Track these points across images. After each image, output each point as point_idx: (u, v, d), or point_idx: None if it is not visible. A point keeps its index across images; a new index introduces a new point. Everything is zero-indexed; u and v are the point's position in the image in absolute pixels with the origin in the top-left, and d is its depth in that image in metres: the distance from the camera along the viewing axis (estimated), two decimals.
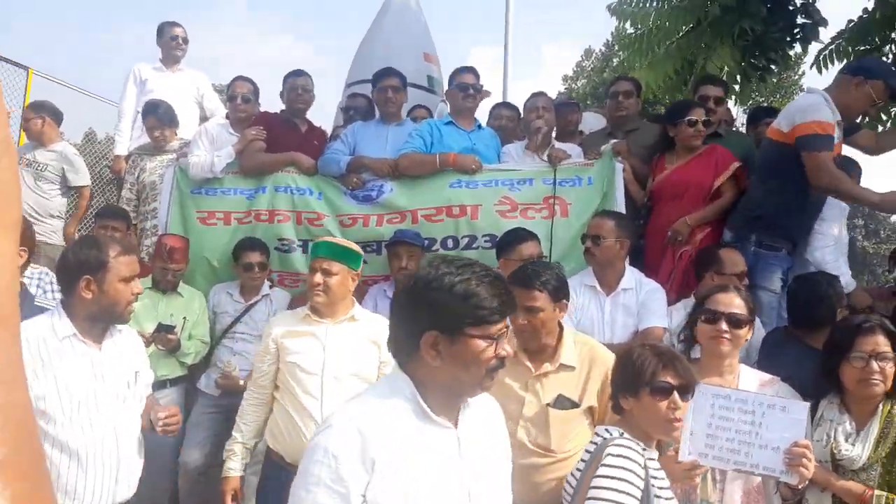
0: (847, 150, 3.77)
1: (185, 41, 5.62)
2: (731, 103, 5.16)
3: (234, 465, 2.85)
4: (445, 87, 4.86)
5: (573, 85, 23.30)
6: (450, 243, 4.02)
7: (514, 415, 2.40)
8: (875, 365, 2.34)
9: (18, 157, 4.79)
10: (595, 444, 2.03)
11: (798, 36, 5.03)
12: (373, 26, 6.20)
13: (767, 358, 2.86)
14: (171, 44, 5.54)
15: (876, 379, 2.34)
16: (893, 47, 5.05)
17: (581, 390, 2.43)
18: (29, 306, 2.68)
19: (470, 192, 4.03)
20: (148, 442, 2.41)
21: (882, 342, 2.36)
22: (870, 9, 4.96)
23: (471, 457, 1.51)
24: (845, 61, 5.02)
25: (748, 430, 2.17)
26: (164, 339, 3.56)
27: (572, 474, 2.07)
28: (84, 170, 5.19)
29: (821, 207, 3.66)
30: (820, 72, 5.08)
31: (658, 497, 1.93)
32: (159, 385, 3.42)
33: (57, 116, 5.15)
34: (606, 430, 2.06)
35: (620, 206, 3.88)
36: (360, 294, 3.49)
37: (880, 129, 4.43)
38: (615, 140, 4.16)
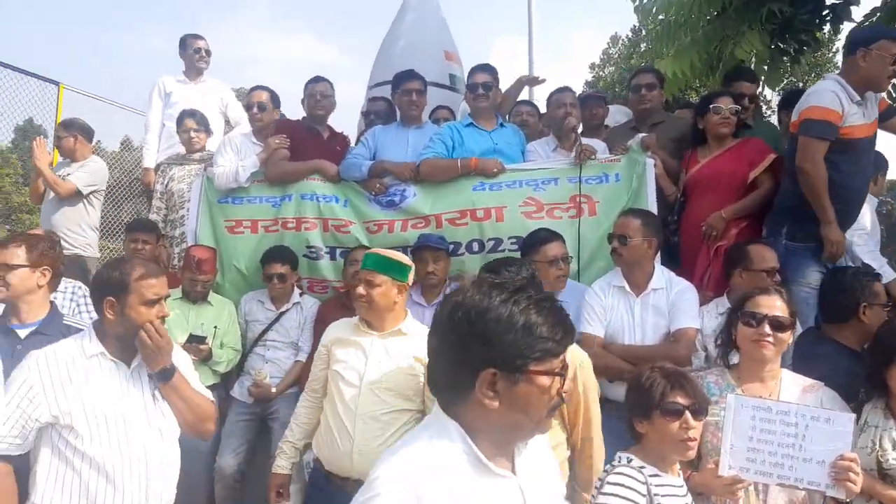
0: (884, 136, 3.63)
1: (209, 53, 5.69)
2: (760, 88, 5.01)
3: (282, 463, 2.92)
4: None
5: (601, 73, 22.99)
6: (475, 247, 3.99)
7: None
8: None
9: (53, 174, 4.96)
10: (606, 472, 2.05)
11: (828, 17, 4.87)
12: (392, 27, 6.18)
13: (801, 359, 2.76)
14: (194, 56, 5.62)
15: None
16: None
17: None
18: (57, 325, 2.71)
19: (494, 194, 3.99)
20: (184, 450, 2.46)
21: None
22: None
23: None
24: None
25: (791, 444, 2.10)
26: (195, 349, 3.62)
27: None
28: (89, 178, 5.10)
29: (856, 197, 3.50)
30: None
31: None
32: None
33: (87, 133, 5.24)
34: (619, 457, 2.07)
35: (652, 203, 3.80)
36: None
37: None
38: (643, 134, 4.07)
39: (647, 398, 2.06)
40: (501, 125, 4.37)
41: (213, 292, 4.03)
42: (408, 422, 2.64)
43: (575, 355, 2.43)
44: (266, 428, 3.91)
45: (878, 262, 3.55)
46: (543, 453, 1.50)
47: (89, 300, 3.23)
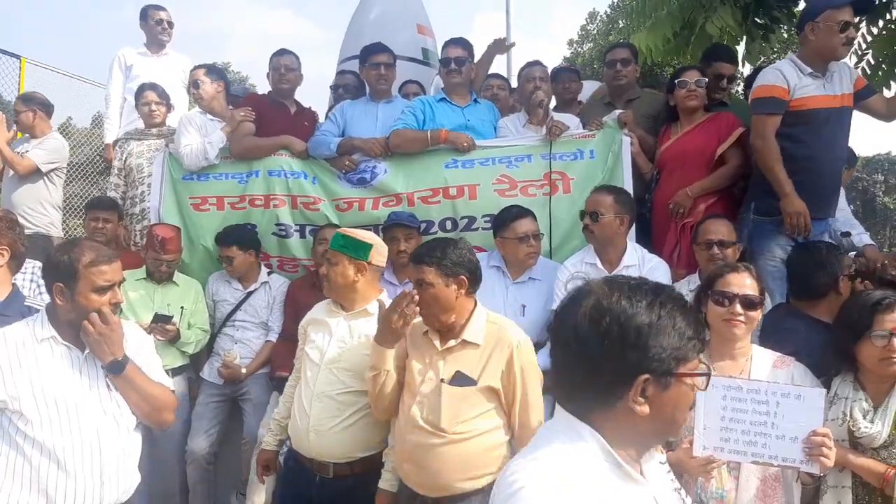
0: (860, 116, 3.63)
1: (171, 24, 5.49)
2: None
3: (269, 440, 2.96)
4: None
5: (579, 49, 22.86)
6: (448, 225, 3.94)
7: (414, 392, 2.43)
8: None
9: (14, 151, 4.78)
10: None
11: None
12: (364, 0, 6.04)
13: (773, 334, 2.76)
14: (155, 28, 5.42)
15: None
16: None
17: (481, 368, 2.36)
18: (18, 307, 2.61)
19: (466, 171, 3.93)
20: (154, 434, 2.40)
21: None
22: None
23: None
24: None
25: (763, 421, 2.10)
26: (162, 329, 3.54)
27: None
28: (49, 155, 4.92)
29: (827, 168, 3.48)
30: None
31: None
32: None
33: (47, 108, 5.04)
34: None
35: (628, 181, 3.77)
36: None
37: (887, 94, 4.24)
38: (619, 111, 4.03)
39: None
40: (475, 101, 4.30)
41: (179, 272, 3.93)
42: (367, 405, 2.62)
43: (510, 335, 2.40)
44: (237, 409, 3.86)
45: (856, 229, 3.60)
46: (664, 464, 1.49)
47: None
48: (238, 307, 3.91)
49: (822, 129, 3.42)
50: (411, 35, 5.64)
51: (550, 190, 3.87)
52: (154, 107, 4.70)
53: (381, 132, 4.06)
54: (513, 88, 4.90)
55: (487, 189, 3.90)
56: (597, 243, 3.31)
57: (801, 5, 4.97)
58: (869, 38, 4.77)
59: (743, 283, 2.36)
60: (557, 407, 1.29)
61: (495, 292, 3.43)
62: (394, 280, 3.72)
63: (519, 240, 3.35)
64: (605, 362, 1.19)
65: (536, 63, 4.33)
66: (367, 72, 4.29)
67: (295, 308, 3.72)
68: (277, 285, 3.99)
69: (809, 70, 3.42)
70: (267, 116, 4.26)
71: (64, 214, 5.70)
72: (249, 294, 3.92)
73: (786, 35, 5.51)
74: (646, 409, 1.19)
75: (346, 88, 4.85)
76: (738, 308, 2.32)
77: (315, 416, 2.59)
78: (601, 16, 22.44)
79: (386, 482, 2.60)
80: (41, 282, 3.26)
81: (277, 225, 4.09)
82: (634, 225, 3.68)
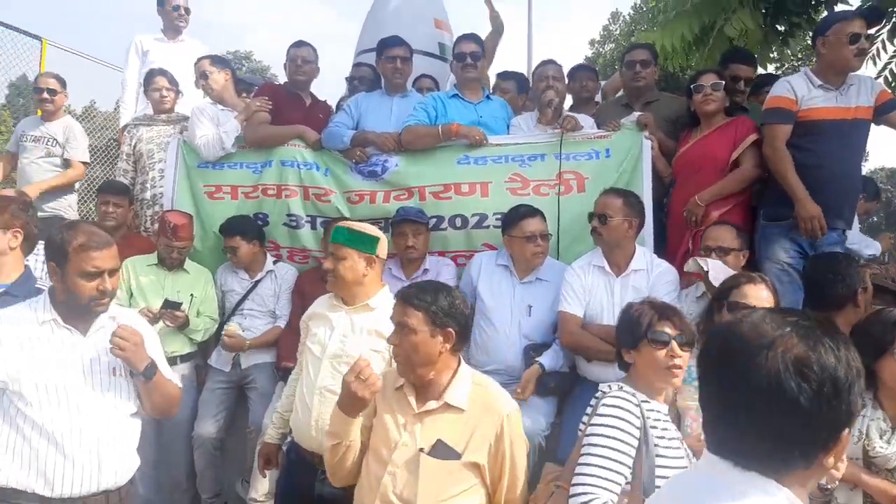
0: (883, 130, 3.63)
1: (188, 11, 5.49)
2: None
3: (272, 433, 2.94)
4: None
5: (600, 49, 22.72)
6: (458, 222, 3.93)
7: (384, 458, 2.09)
8: None
9: (23, 133, 4.86)
10: (596, 398, 2.13)
11: None
12: None
13: None
14: (172, 14, 5.42)
15: None
16: None
17: (466, 439, 2.05)
18: (29, 288, 2.63)
19: (478, 168, 3.92)
20: (160, 420, 2.42)
21: None
22: None
23: None
24: (883, 23, 4.76)
25: None
26: (171, 315, 3.57)
27: (579, 429, 2.13)
28: (84, 146, 5.11)
29: (837, 179, 3.46)
30: None
31: (658, 445, 2.00)
32: (170, 362, 3.43)
33: (64, 87, 5.12)
34: (609, 385, 2.15)
35: (647, 184, 3.75)
36: None
37: None
38: (638, 113, 3.99)
39: (635, 329, 2.16)
40: (488, 98, 4.28)
41: (190, 259, 3.96)
42: None
43: (501, 404, 2.13)
44: (243, 397, 3.90)
45: (865, 242, 3.65)
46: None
47: None
48: (246, 296, 3.94)
49: (831, 139, 3.43)
50: (428, 29, 5.61)
51: (563, 189, 3.84)
52: (165, 93, 4.70)
53: (396, 126, 4.05)
54: (525, 88, 4.88)
55: (499, 187, 3.88)
56: (605, 246, 3.30)
57: (824, 13, 4.93)
58: (891, 50, 4.73)
59: (760, 295, 2.36)
60: (715, 462, 1.17)
61: (502, 291, 3.44)
62: (401, 275, 3.73)
63: (526, 239, 3.35)
64: (818, 419, 1.10)
65: (550, 62, 4.30)
66: (383, 65, 4.28)
67: (303, 300, 3.72)
68: (283, 273, 4.02)
69: (820, 82, 3.47)
70: (282, 107, 4.28)
71: (85, 197, 5.79)
72: (256, 283, 3.95)
73: (810, 42, 5.45)
74: (831, 460, 1.12)
75: (361, 81, 4.84)
76: None
77: (317, 409, 2.58)
78: (624, 17, 22.29)
79: (271, 437, 2.82)
80: None
81: (289, 215, 4.11)
82: (652, 229, 3.69)
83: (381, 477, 2.07)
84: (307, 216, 4.11)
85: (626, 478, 1.96)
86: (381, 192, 4.00)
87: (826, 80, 3.47)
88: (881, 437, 2.31)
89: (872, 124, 3.55)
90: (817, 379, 1.08)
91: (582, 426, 2.12)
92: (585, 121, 4.11)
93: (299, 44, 4.43)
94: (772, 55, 5.07)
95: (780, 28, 4.91)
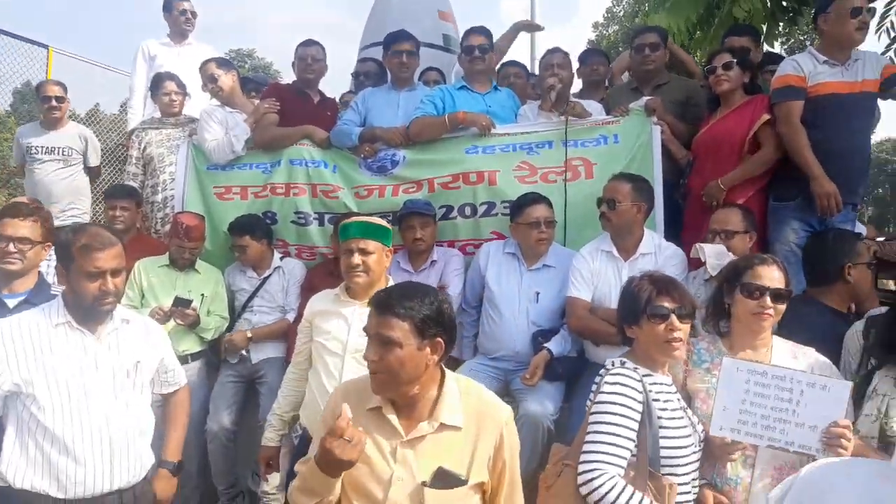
0: (889, 103, 3.63)
1: (194, 14, 5.53)
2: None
3: (271, 436, 2.91)
4: None
5: (604, 32, 22.54)
6: (467, 210, 3.91)
7: (376, 498, 1.75)
8: None
9: (29, 144, 4.92)
10: (600, 375, 2.17)
11: None
12: None
13: (788, 323, 2.74)
14: (179, 18, 5.46)
15: None
16: None
17: (468, 460, 1.77)
18: (45, 295, 2.67)
19: (487, 157, 3.91)
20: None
21: None
22: None
23: None
24: None
25: (785, 408, 2.09)
26: (182, 313, 3.60)
27: (586, 407, 2.16)
28: (99, 151, 5.25)
29: (847, 154, 3.44)
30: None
31: (661, 418, 2.06)
32: (181, 360, 3.46)
33: (67, 93, 5.18)
34: (612, 362, 2.18)
35: (658, 169, 3.72)
36: None
37: None
38: (647, 98, 3.95)
39: (635, 304, 2.19)
40: (496, 88, 4.28)
41: (200, 260, 3.99)
42: None
43: (498, 412, 1.85)
44: (254, 391, 3.92)
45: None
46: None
47: None
48: (255, 293, 3.97)
49: (839, 113, 3.43)
50: (433, 21, 5.62)
51: (571, 176, 3.81)
52: (174, 97, 4.75)
53: (403, 120, 4.06)
54: (531, 75, 4.86)
55: (508, 175, 3.87)
56: (613, 231, 3.28)
57: None
58: None
59: (772, 275, 2.33)
60: None
61: (510, 279, 3.44)
62: (409, 268, 3.73)
63: (530, 225, 3.35)
64: None
65: (556, 50, 4.28)
66: (389, 60, 4.28)
67: (312, 295, 3.75)
68: (290, 268, 4.04)
69: (825, 59, 3.48)
70: (290, 105, 4.30)
71: (94, 200, 5.88)
72: (265, 280, 3.97)
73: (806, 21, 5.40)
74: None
75: (367, 76, 4.86)
76: (769, 301, 2.29)
77: None
78: None
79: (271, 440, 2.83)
80: None
81: (297, 213, 4.13)
82: (663, 212, 3.67)
83: None
84: (315, 213, 4.12)
85: (631, 451, 1.98)
86: (390, 186, 3.99)
87: (831, 56, 3.47)
88: None
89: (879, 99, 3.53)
90: None
91: (588, 404, 2.14)
92: (593, 106, 4.08)
93: (309, 42, 4.44)
94: (778, 31, 4.99)
95: (787, 6, 4.84)
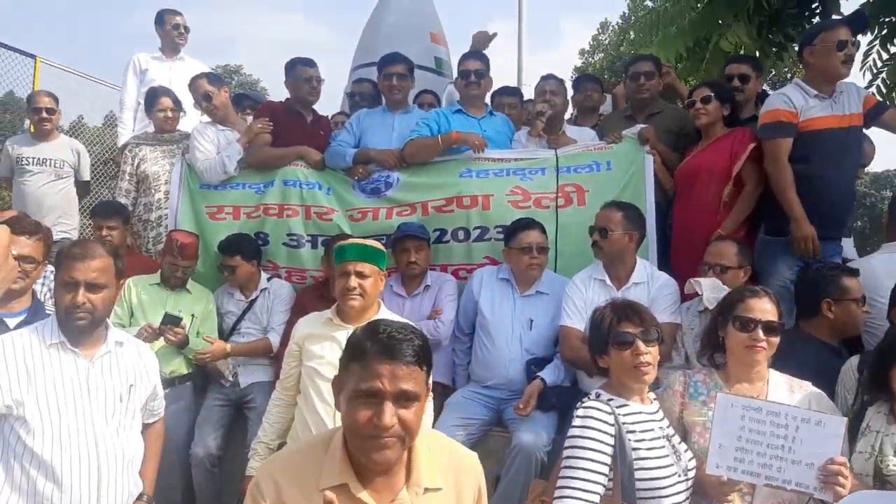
0: (873, 131, 3.70)
1: (187, 29, 5.49)
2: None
3: (255, 465, 2.83)
4: (454, 67, 4.73)
5: (590, 59, 22.86)
6: (460, 234, 3.93)
7: None
8: None
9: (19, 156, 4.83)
10: (576, 408, 2.16)
11: (817, 10, 4.84)
12: (377, 7, 6.04)
13: (780, 356, 2.76)
14: (171, 33, 5.42)
15: None
16: None
17: None
18: (42, 314, 2.64)
19: (480, 181, 3.93)
20: None
21: None
22: None
23: None
24: (876, 32, 4.82)
25: (780, 445, 2.07)
26: (171, 332, 3.53)
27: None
28: (86, 165, 5.20)
29: (835, 189, 3.48)
30: None
31: (638, 448, 2.03)
32: (168, 382, 3.40)
33: (58, 104, 5.12)
34: (593, 393, 2.18)
35: (650, 198, 3.76)
36: None
37: None
38: (640, 125, 4.01)
39: (600, 333, 2.19)
40: (491, 113, 4.31)
41: (192, 280, 3.94)
42: None
43: (472, 461, 1.68)
44: (242, 417, 3.86)
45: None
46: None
47: None
48: (242, 316, 3.93)
49: (831, 148, 3.45)
50: (424, 43, 5.65)
51: (564, 202, 3.85)
52: (170, 113, 4.69)
53: (398, 142, 4.07)
54: (525, 101, 4.91)
55: (501, 200, 3.89)
56: (605, 259, 3.31)
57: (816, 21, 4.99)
58: (885, 57, 4.77)
59: (765, 309, 2.33)
60: None
61: (503, 305, 3.45)
62: (402, 292, 3.73)
63: (522, 250, 3.36)
64: None
65: (550, 77, 4.34)
66: (383, 82, 4.30)
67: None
68: (276, 288, 4.00)
69: (815, 92, 3.48)
70: (283, 124, 4.28)
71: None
72: (252, 303, 3.94)
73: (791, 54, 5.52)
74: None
75: (362, 96, 4.87)
76: (761, 334, 2.29)
77: None
78: (613, 26, 22.45)
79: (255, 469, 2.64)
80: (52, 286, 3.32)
81: (289, 235, 4.10)
82: (657, 242, 3.70)
83: None
84: (308, 235, 4.10)
85: (604, 486, 1.98)
86: (384, 209, 3.99)
87: (819, 89, 3.48)
88: (895, 454, 2.22)
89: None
90: None
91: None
92: (587, 133, 4.13)
93: (309, 62, 4.40)
94: (770, 68, 5.12)
95: (775, 40, 4.95)
